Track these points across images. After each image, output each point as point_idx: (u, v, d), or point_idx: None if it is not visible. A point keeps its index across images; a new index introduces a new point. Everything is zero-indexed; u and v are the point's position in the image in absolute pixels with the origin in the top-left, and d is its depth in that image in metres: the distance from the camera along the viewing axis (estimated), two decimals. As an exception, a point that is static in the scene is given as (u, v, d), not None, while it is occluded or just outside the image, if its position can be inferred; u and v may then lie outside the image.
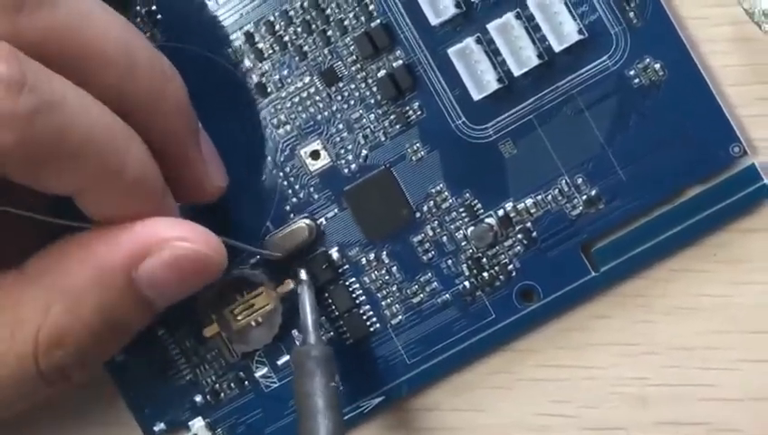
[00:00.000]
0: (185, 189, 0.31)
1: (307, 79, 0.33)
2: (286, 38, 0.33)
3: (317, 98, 0.33)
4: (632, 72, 0.31)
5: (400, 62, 0.32)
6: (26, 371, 0.29)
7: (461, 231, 0.33)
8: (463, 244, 0.33)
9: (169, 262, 0.29)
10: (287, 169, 0.33)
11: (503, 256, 0.33)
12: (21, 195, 0.29)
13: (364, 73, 0.32)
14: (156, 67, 0.30)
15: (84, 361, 0.30)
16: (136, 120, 0.29)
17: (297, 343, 0.34)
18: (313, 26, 0.32)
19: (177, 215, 0.30)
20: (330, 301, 0.34)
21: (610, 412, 0.33)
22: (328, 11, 0.32)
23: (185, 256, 0.29)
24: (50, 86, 0.27)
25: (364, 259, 0.33)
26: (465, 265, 0.33)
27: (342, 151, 0.33)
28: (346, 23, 0.32)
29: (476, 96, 0.32)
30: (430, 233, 0.33)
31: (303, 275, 0.33)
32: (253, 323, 0.33)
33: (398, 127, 0.33)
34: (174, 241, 0.29)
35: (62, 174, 0.28)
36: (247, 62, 0.33)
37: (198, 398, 0.34)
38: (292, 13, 0.32)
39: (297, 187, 0.33)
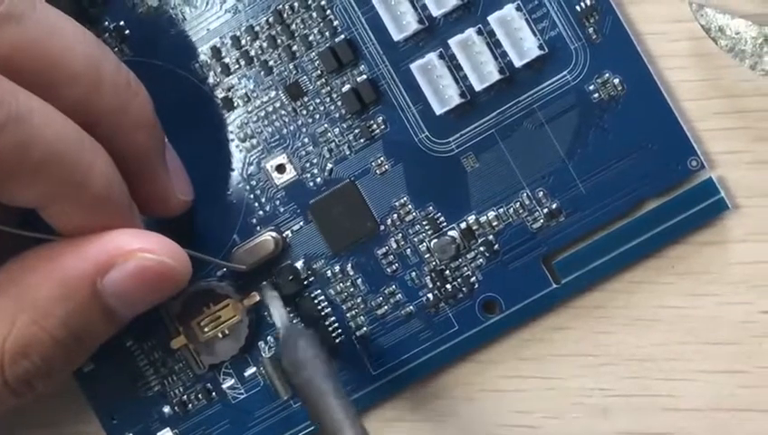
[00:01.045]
0: (150, 203, 0.32)
1: (273, 93, 0.33)
2: (252, 53, 0.33)
3: (282, 112, 0.33)
4: (592, 87, 0.32)
5: (364, 76, 0.33)
6: None
7: (424, 244, 0.33)
8: (426, 256, 0.33)
9: (134, 273, 0.29)
10: (253, 183, 0.34)
11: (465, 268, 0.33)
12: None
13: (329, 88, 0.33)
14: (122, 82, 0.30)
15: (50, 371, 0.30)
16: (101, 133, 0.30)
17: (263, 354, 0.34)
18: (279, 41, 0.33)
19: (142, 227, 0.31)
20: (295, 313, 0.34)
21: (572, 422, 0.33)
22: (293, 26, 0.33)
23: (149, 266, 0.29)
24: (16, 100, 0.27)
25: (329, 271, 0.34)
26: (428, 278, 0.33)
27: (308, 165, 0.33)
28: (311, 38, 0.33)
29: (439, 110, 0.32)
30: (394, 245, 0.33)
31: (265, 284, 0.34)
32: (219, 335, 0.34)
33: (362, 141, 0.33)
34: (139, 252, 0.29)
35: (26, 187, 0.28)
36: (214, 77, 0.34)
37: (166, 409, 0.35)
38: (257, 28, 0.33)
39: (263, 200, 0.34)
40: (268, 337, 0.34)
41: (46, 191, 0.28)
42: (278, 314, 0.33)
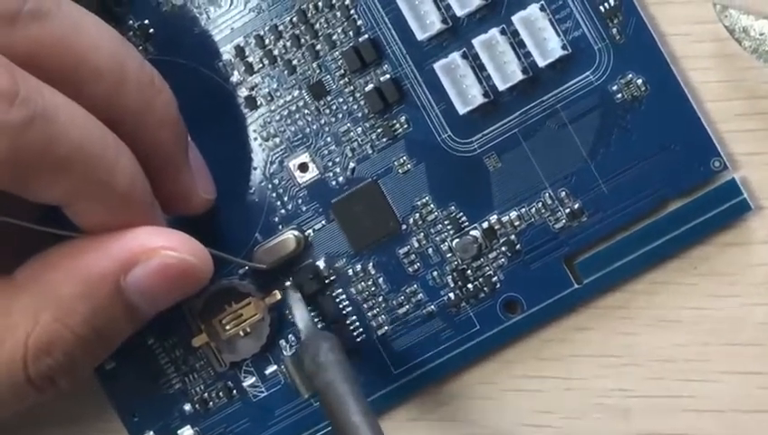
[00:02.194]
0: (173, 201, 0.32)
1: (296, 92, 0.34)
2: (276, 52, 0.33)
3: (305, 111, 0.34)
4: (615, 88, 0.32)
5: (387, 76, 0.33)
6: (15, 376, 0.29)
7: (446, 243, 0.33)
8: (448, 256, 0.33)
9: (157, 270, 0.30)
10: (276, 182, 0.34)
11: (487, 268, 0.33)
12: (11, 203, 0.29)
13: (352, 87, 0.33)
14: (146, 79, 0.31)
15: (73, 368, 0.30)
16: (125, 131, 0.30)
17: (284, 352, 0.34)
18: (302, 40, 0.33)
19: (164, 225, 0.31)
20: (316, 311, 0.34)
21: (593, 423, 0.33)
22: (317, 26, 0.33)
23: (172, 264, 0.30)
24: (42, 97, 0.27)
25: (351, 270, 0.34)
26: (450, 277, 0.33)
27: (330, 164, 0.34)
28: (334, 37, 0.33)
29: (462, 110, 0.32)
30: (416, 245, 0.33)
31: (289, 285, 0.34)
32: (241, 333, 0.34)
33: (384, 140, 0.33)
34: (162, 250, 0.30)
35: (51, 184, 0.28)
36: (237, 76, 0.34)
37: (187, 407, 0.35)
38: (281, 27, 0.33)
39: (285, 199, 0.34)
40: (289, 335, 0.34)
41: (71, 188, 0.29)
42: (301, 316, 0.33)
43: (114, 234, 0.30)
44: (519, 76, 0.32)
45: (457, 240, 0.33)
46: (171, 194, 0.32)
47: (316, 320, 0.34)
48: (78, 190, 0.29)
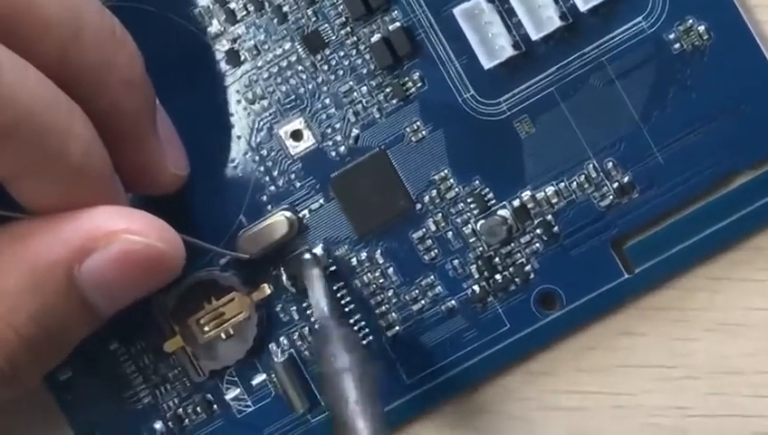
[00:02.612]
0: (138, 177, 0.30)
1: (287, 45, 0.31)
2: None
3: (299, 67, 0.31)
4: (672, 36, 0.30)
5: (397, 24, 0.31)
6: None
7: (469, 225, 0.31)
8: (471, 240, 0.31)
9: (117, 258, 0.28)
10: (263, 153, 0.32)
11: (519, 254, 0.31)
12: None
13: (355, 38, 0.31)
14: (105, 31, 0.28)
15: (17, 374, 0.28)
16: (81, 93, 0.28)
17: (275, 358, 0.31)
18: None
19: (126, 205, 0.29)
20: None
21: None
22: (312, -36, 0.31)
23: (135, 251, 0.28)
24: None
25: (355, 259, 0.32)
26: (474, 266, 0.31)
27: (329, 131, 0.31)
28: None
29: (487, 64, 0.30)
30: (433, 228, 0.31)
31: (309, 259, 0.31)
32: (222, 336, 0.32)
33: (394, 102, 0.31)
34: (123, 234, 0.28)
35: None
36: (216, 26, 0.32)
37: (158, 425, 0.33)
38: (270, -33, 0.31)
39: (275, 173, 0.32)
40: (281, 338, 0.32)
41: (16, 160, 0.26)
42: (317, 299, 0.30)
43: (66, 214, 0.28)
44: (556, 23, 0.29)
45: (483, 222, 0.31)
46: (136, 168, 0.30)
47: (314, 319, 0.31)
48: (24, 163, 0.26)
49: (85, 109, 0.28)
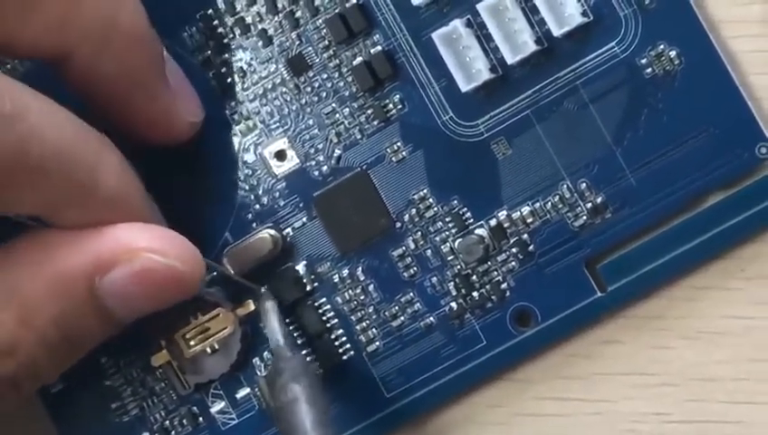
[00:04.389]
0: (153, 128, 0.30)
1: (272, 67, 0.32)
2: (249, 20, 0.31)
3: (283, 89, 0.32)
4: (644, 61, 0.30)
5: (379, 48, 0.31)
6: None
7: (447, 244, 0.31)
8: (449, 258, 0.31)
9: (138, 275, 0.28)
10: (248, 172, 0.32)
11: (495, 272, 0.31)
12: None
13: (337, 61, 0.31)
14: None
15: (37, 373, 0.29)
16: (85, 56, 0.28)
17: (259, 372, 0.32)
18: (280, 6, 0.31)
19: (164, 224, 0.29)
20: (296, 324, 0.32)
21: None
22: (297, -11, 0.32)
23: (156, 270, 0.28)
24: (10, 94, 0.26)
25: (336, 276, 0.32)
26: (451, 284, 0.31)
27: (312, 151, 0.32)
28: (317, 2, 0.31)
29: (465, 87, 0.30)
30: (412, 246, 0.31)
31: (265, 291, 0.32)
32: (208, 350, 0.32)
33: (375, 123, 0.31)
34: (145, 252, 0.28)
35: (25, 193, 0.26)
36: (205, 48, 0.32)
37: None
38: (255, -10, 0.32)
39: (260, 192, 0.32)
40: (264, 353, 0.32)
41: (48, 196, 0.27)
42: (271, 329, 0.31)
43: (92, 229, 0.28)
44: (532, 48, 0.30)
45: (460, 240, 0.31)
46: (150, 121, 0.30)
47: (297, 334, 0.32)
48: (57, 198, 0.27)
49: (92, 71, 0.28)
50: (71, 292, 0.28)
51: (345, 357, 0.32)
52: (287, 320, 0.32)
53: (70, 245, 0.28)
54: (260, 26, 0.31)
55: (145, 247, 0.28)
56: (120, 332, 0.30)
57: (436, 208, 0.31)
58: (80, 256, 0.28)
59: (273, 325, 0.31)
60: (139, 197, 0.29)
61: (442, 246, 0.31)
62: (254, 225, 0.32)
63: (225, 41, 0.32)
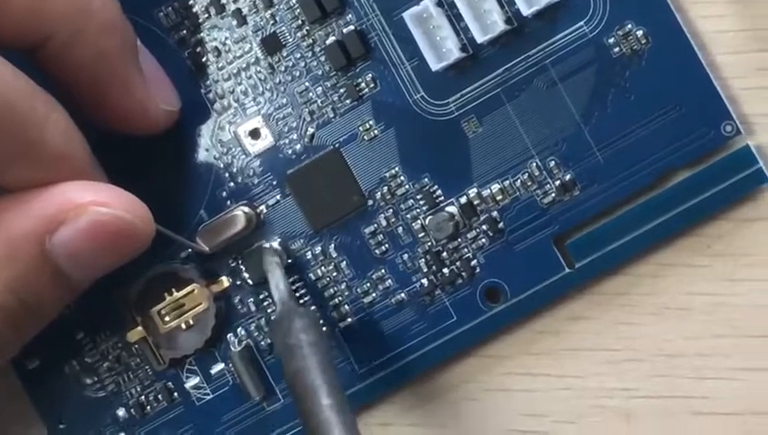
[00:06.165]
0: (128, 117, 0.30)
1: (247, 47, 0.32)
2: (223, 0, 0.31)
3: (257, 68, 0.32)
4: (612, 40, 0.30)
5: (351, 27, 0.31)
6: None
7: (419, 221, 0.31)
8: (421, 235, 0.31)
9: (87, 230, 0.28)
10: (223, 150, 0.32)
11: (465, 249, 0.31)
12: None
13: (311, 40, 0.31)
14: None
15: None
16: (58, 44, 0.28)
17: (233, 348, 0.32)
18: None
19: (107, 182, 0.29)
20: (269, 301, 0.32)
21: (590, 428, 0.31)
22: (270, -31, 0.32)
23: (105, 222, 0.28)
24: None
25: (309, 253, 0.32)
26: (422, 261, 0.31)
27: (286, 130, 0.32)
28: None
29: (436, 66, 0.31)
30: (384, 223, 0.31)
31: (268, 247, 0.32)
32: (183, 326, 0.32)
33: (348, 102, 0.31)
34: (92, 206, 0.28)
35: None
36: (180, 27, 0.32)
37: (121, 411, 0.33)
38: (229, -28, 0.32)
39: (234, 170, 0.32)
40: (238, 329, 0.32)
41: None
42: (277, 284, 0.31)
43: (37, 190, 0.28)
44: (501, 27, 0.30)
45: (431, 217, 0.31)
46: (124, 109, 0.30)
47: (270, 311, 0.32)
48: (4, 152, 0.27)
49: (64, 60, 0.28)
50: (22, 255, 0.28)
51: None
52: (260, 296, 0.32)
53: (17, 207, 0.28)
54: (234, 6, 0.32)
55: (91, 201, 0.28)
56: (78, 295, 0.29)
57: (407, 186, 0.31)
58: (27, 217, 0.28)
59: (278, 278, 0.31)
60: (86, 157, 0.29)
61: (413, 224, 0.31)
62: (229, 202, 0.32)
63: (200, 20, 0.32)
